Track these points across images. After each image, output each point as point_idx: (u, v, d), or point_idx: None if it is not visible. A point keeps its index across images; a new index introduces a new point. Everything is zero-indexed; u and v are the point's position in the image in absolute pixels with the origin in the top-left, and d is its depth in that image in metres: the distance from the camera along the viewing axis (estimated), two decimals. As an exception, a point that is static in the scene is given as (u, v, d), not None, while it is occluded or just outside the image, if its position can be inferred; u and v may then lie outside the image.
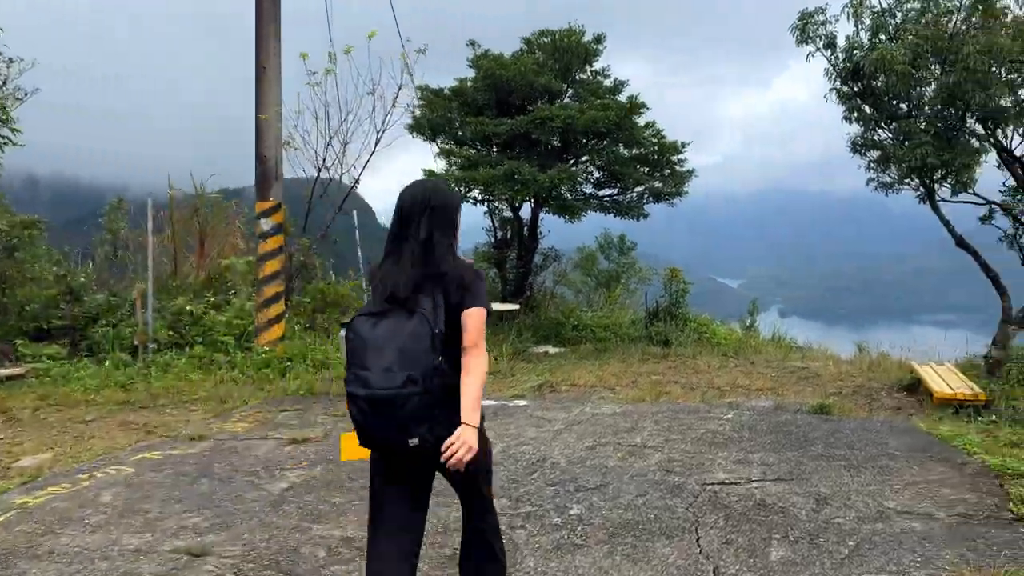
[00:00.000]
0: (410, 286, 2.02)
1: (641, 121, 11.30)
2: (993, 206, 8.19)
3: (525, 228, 12.69)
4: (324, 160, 9.77)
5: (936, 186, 8.19)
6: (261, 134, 8.87)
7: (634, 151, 11.56)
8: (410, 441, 1.91)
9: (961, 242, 8.04)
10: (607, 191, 12.06)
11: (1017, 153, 7.74)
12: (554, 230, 13.42)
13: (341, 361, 5.62)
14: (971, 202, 8.45)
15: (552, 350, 11.06)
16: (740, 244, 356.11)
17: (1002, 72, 7.03)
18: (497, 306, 10.34)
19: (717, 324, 13.48)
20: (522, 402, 6.81)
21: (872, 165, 8.42)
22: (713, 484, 4.30)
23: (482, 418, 2.07)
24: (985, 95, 6.81)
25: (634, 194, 11.94)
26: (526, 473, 4.57)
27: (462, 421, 1.95)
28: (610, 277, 18.11)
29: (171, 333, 8.68)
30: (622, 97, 11.55)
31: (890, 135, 8.11)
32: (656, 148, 11.50)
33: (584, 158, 11.63)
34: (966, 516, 3.73)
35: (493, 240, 13.10)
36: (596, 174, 11.93)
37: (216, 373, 7.90)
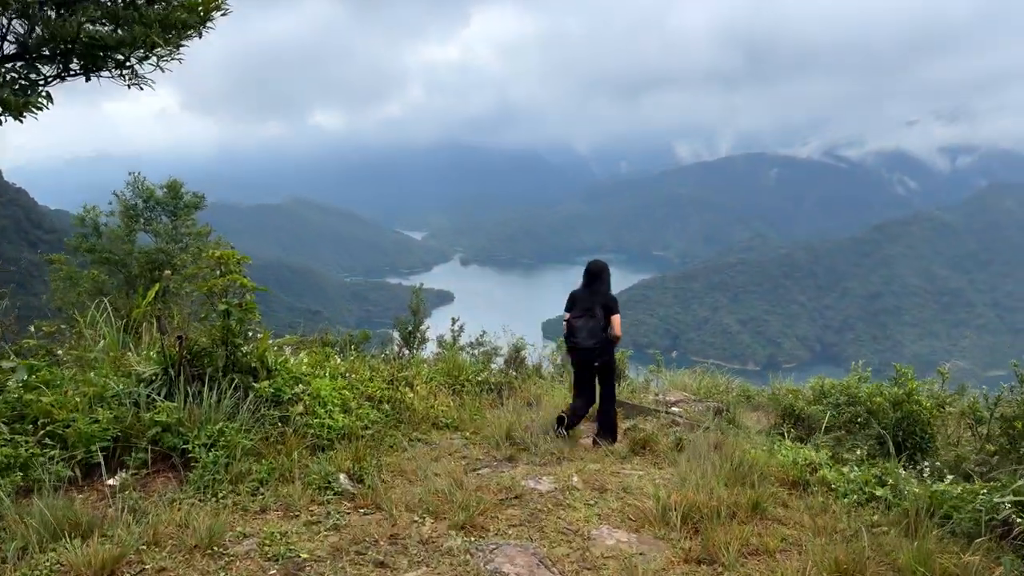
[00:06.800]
0: (592, 304, 6.15)
1: None
2: None
3: None
4: None
5: None
6: None
7: None
8: (595, 363, 6.17)
9: None
10: None
11: None
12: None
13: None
14: None
15: None
16: (422, 196, 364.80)
17: None
18: None
19: (330, 367, 6.20)
20: None
21: None
22: None
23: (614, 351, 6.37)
24: None
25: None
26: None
27: (607, 356, 6.25)
28: (153, 267, 9.52)
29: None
30: None
31: None
32: None
33: None
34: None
35: None
36: None
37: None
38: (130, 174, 10.05)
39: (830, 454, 4.85)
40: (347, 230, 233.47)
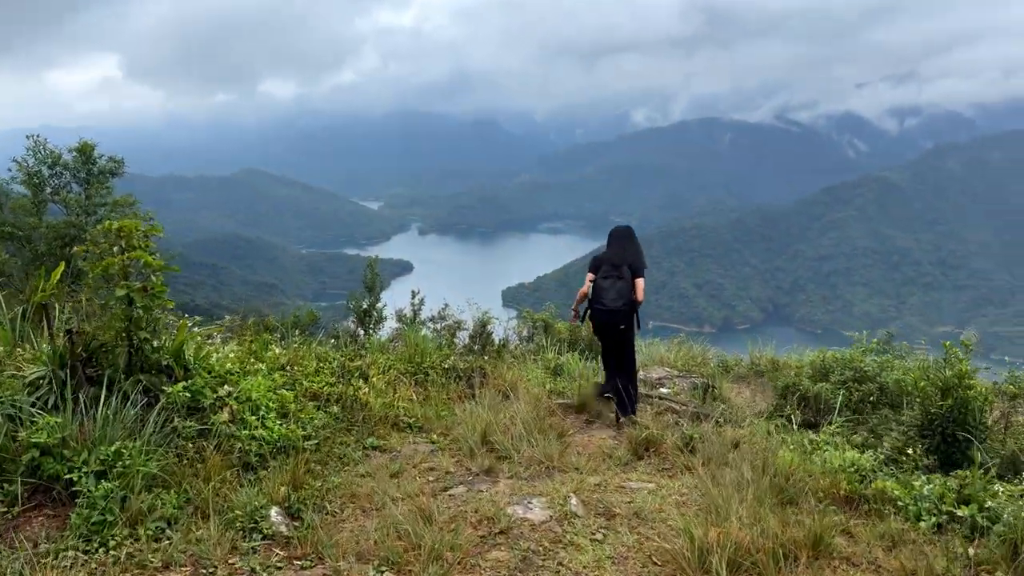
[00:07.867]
0: (620, 264, 5.85)
1: None
2: None
3: None
4: None
5: None
6: None
7: None
8: (620, 327, 5.79)
9: None
10: None
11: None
12: None
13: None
14: None
15: None
16: (378, 166, 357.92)
17: None
18: None
19: (267, 360, 5.15)
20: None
21: None
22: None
23: (637, 317, 5.97)
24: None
25: None
26: None
27: (630, 323, 5.88)
28: (63, 243, 8.19)
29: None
30: None
31: None
32: None
33: None
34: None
35: None
36: None
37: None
38: (28, 137, 8.59)
39: (881, 456, 4.03)
40: (302, 201, 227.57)
